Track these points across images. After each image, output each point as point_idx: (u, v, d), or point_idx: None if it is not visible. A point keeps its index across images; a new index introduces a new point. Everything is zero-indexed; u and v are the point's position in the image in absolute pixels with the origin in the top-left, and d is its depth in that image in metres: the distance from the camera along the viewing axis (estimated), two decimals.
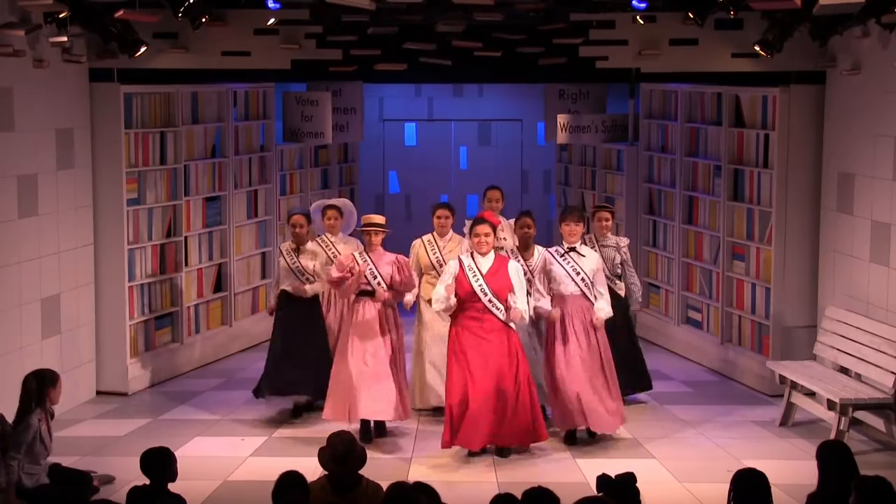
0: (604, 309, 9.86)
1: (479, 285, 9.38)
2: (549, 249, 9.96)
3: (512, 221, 10.73)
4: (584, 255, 9.83)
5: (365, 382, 9.73)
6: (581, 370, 9.66)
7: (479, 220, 9.64)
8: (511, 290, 9.38)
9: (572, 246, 9.83)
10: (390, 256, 9.95)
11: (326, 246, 10.84)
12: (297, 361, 10.47)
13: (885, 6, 9.67)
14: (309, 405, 10.68)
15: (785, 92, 11.41)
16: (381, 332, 9.84)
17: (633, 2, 10.66)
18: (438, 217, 10.79)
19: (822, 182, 11.39)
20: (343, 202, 11.40)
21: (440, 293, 9.47)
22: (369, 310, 9.87)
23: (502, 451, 9.58)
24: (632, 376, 10.87)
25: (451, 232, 10.81)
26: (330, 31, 11.79)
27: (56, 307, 10.79)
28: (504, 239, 10.59)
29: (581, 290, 9.77)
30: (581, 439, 9.94)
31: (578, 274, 9.74)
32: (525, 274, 9.88)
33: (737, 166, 12.20)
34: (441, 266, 10.39)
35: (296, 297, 10.57)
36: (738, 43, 11.37)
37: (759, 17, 11.00)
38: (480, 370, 9.33)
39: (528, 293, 9.72)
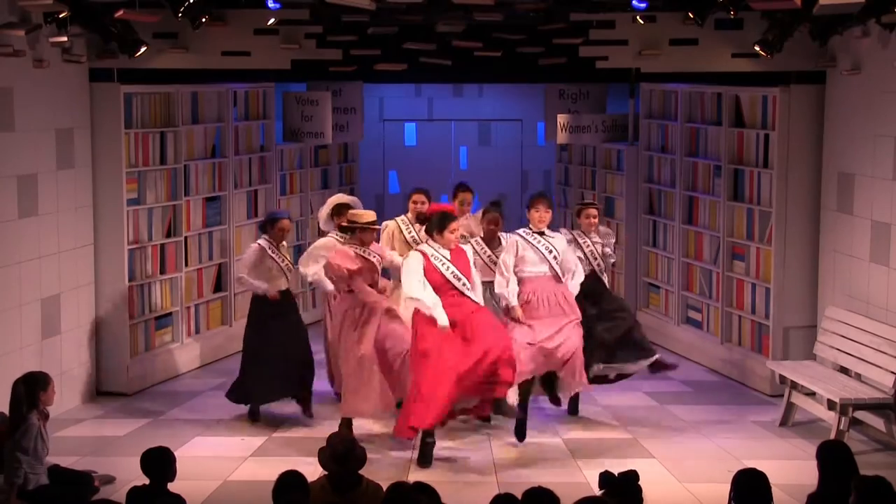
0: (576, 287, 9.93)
1: (452, 272, 9.37)
2: (518, 232, 9.94)
3: (479, 213, 10.78)
4: (552, 237, 9.92)
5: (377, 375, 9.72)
6: (552, 333, 9.70)
7: (452, 217, 9.55)
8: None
9: (541, 230, 9.89)
10: (376, 247, 10.09)
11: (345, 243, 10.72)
12: (283, 365, 10.39)
13: (885, 6, 9.67)
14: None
15: (785, 92, 11.41)
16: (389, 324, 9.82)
17: (633, 2, 10.65)
18: (414, 202, 10.80)
19: (822, 182, 11.38)
20: (353, 200, 11.23)
21: (417, 293, 9.34)
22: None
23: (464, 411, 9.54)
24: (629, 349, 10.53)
25: None
26: (330, 31, 11.78)
27: (56, 307, 10.79)
28: (469, 236, 10.57)
29: (554, 269, 9.80)
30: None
31: (551, 252, 9.79)
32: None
33: (737, 166, 12.20)
34: (417, 244, 10.23)
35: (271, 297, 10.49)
36: (738, 43, 11.37)
37: (759, 17, 10.99)
38: (463, 355, 9.23)
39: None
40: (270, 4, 10.85)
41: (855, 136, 10.77)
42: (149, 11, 10.49)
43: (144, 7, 10.41)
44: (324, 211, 11.14)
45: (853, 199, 10.81)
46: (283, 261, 10.54)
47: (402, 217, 10.93)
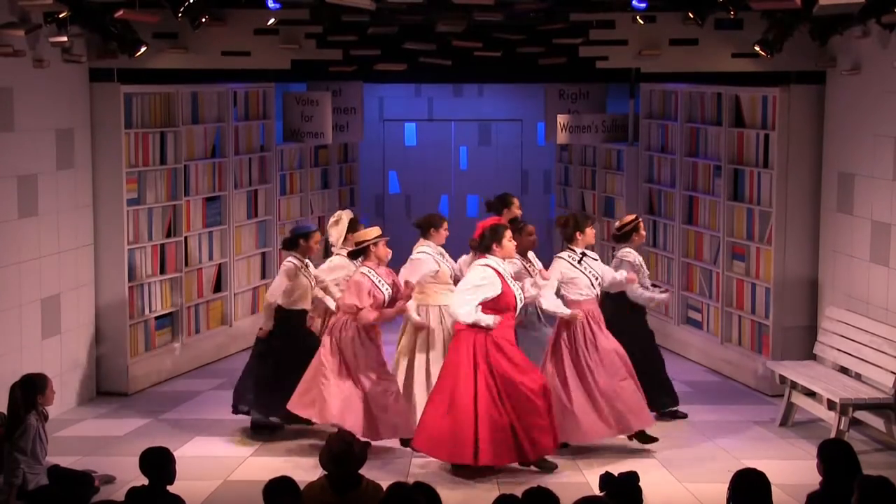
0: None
1: (519, 294, 9.15)
2: (562, 256, 9.66)
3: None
4: (595, 259, 9.81)
5: (378, 402, 9.46)
6: (588, 377, 9.46)
7: (504, 227, 9.29)
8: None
9: (584, 251, 9.71)
10: (389, 272, 9.65)
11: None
12: (289, 386, 9.83)
13: (885, 6, 9.67)
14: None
15: (785, 92, 11.41)
16: (371, 347, 9.52)
17: (633, 2, 10.65)
18: (447, 230, 10.15)
19: (822, 182, 11.39)
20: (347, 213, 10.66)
21: (470, 311, 8.95)
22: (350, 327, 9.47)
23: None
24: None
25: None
26: (330, 31, 11.78)
27: (56, 307, 10.79)
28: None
29: (596, 294, 9.72)
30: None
31: (597, 279, 9.69)
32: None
33: (737, 166, 12.20)
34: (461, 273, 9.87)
35: (289, 311, 10.07)
36: (738, 43, 11.38)
37: (759, 17, 11.00)
38: (502, 388, 8.98)
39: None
40: (270, 4, 10.85)
41: (855, 136, 10.77)
42: (149, 11, 10.49)
43: (144, 7, 10.40)
44: (338, 230, 10.42)
45: (853, 199, 10.81)
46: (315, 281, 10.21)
47: (440, 249, 10.16)
